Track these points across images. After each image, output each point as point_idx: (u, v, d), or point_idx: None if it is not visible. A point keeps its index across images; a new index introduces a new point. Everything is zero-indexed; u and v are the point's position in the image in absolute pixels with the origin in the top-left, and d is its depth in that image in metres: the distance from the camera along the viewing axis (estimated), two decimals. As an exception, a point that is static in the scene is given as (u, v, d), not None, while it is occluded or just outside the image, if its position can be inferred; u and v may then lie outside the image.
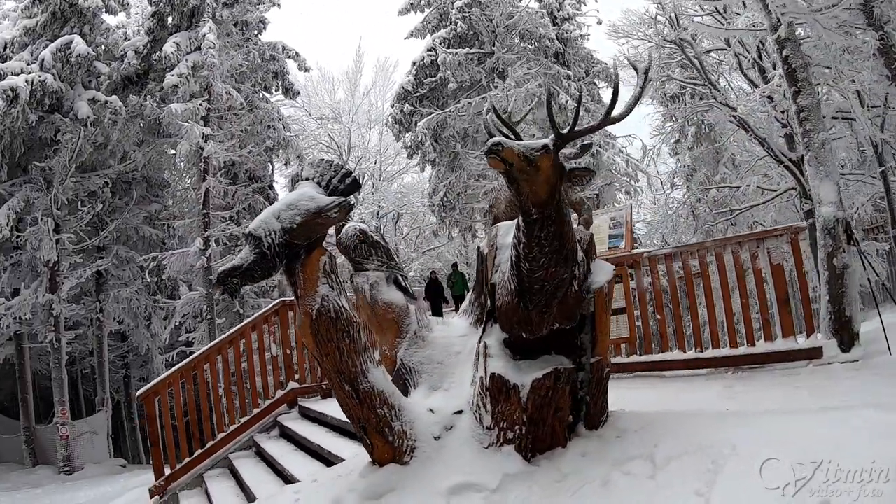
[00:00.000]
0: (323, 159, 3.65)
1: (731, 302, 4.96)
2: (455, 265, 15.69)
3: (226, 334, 6.66)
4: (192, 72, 13.72)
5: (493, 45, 15.39)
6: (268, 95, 17.86)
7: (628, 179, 17.30)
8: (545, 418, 3.03)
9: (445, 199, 16.14)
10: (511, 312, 3.10)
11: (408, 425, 3.19)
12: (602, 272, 3.31)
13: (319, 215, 3.13)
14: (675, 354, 5.15)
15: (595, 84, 18.07)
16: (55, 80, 13.39)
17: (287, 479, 4.58)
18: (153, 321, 17.17)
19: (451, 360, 3.71)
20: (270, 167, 17.69)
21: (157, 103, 14.14)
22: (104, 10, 15.13)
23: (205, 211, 14.10)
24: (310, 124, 24.13)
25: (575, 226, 3.47)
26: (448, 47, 15.73)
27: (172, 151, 16.50)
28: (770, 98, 9.58)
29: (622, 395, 4.45)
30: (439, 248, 23.85)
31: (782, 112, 9.38)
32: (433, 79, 15.78)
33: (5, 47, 14.23)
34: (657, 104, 16.24)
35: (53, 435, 14.08)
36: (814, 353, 4.40)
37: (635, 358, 5.35)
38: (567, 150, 4.12)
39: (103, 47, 15.21)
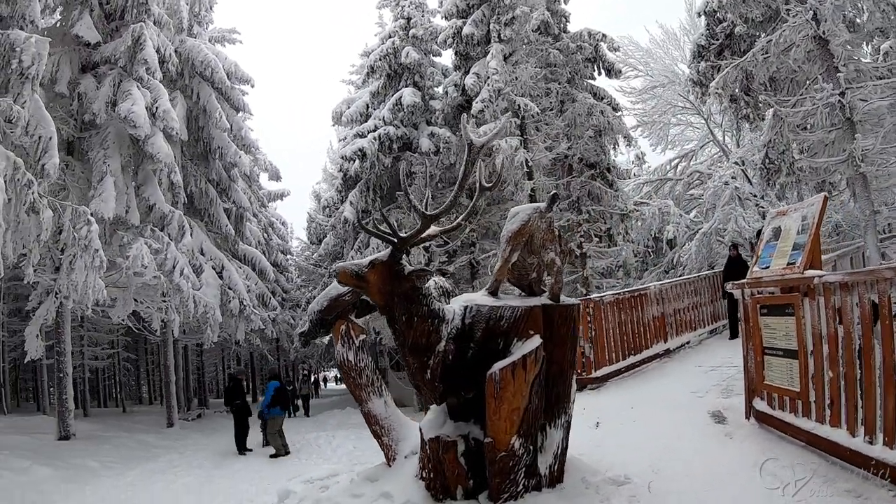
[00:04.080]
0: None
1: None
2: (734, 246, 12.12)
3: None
4: (496, 94, 15.87)
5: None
6: (592, 83, 18.58)
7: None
8: (442, 472, 3.85)
9: (768, 159, 14.33)
10: (417, 383, 4.11)
11: (393, 441, 4.59)
12: (514, 354, 3.60)
13: (337, 299, 4.85)
14: (840, 435, 3.84)
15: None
16: (396, 129, 18.02)
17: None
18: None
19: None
20: (604, 151, 18.43)
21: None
22: (429, 54, 19.02)
23: (532, 207, 16.06)
24: (658, 91, 23.45)
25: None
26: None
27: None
28: None
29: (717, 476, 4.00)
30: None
31: None
32: (725, 24, 14.08)
33: (367, 107, 19.97)
34: None
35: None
36: None
37: (805, 423, 4.23)
38: (541, 205, 4.21)
39: (437, 88, 19.09)
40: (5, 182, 7.80)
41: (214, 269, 17.46)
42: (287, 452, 11.99)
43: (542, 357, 3.61)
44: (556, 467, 3.89)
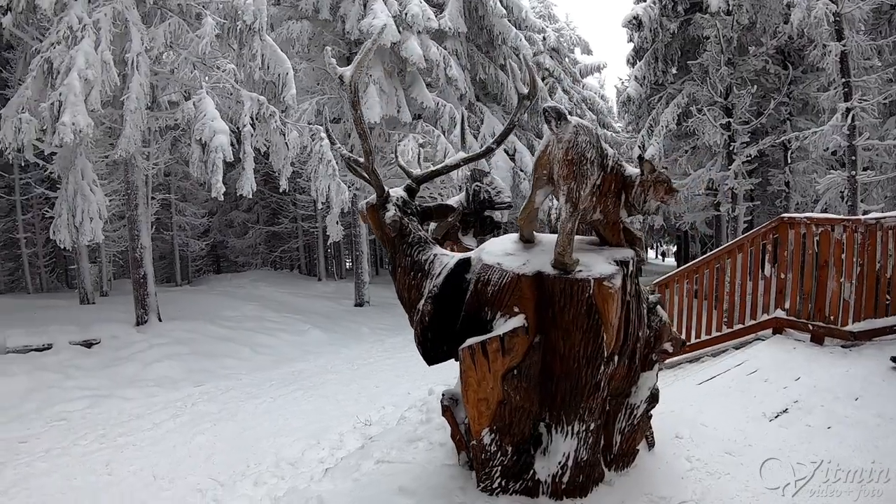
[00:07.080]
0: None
1: None
2: None
3: (725, 245, 6.93)
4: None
5: None
6: None
7: None
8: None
9: None
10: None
11: None
12: (493, 332, 2.83)
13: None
14: None
15: None
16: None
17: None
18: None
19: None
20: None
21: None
22: None
23: (844, 80, 12.23)
24: None
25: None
26: None
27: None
28: None
29: None
30: None
31: None
32: None
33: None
34: None
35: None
36: None
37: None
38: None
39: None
40: (253, 118, 9.84)
41: (507, 151, 17.93)
42: None
43: (515, 347, 2.71)
44: (564, 478, 2.98)
